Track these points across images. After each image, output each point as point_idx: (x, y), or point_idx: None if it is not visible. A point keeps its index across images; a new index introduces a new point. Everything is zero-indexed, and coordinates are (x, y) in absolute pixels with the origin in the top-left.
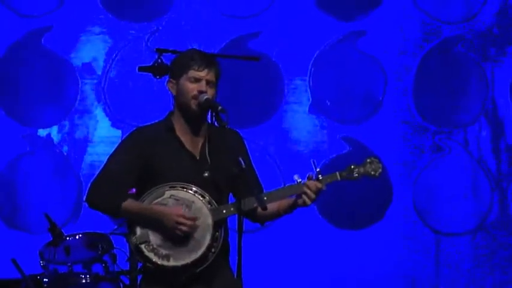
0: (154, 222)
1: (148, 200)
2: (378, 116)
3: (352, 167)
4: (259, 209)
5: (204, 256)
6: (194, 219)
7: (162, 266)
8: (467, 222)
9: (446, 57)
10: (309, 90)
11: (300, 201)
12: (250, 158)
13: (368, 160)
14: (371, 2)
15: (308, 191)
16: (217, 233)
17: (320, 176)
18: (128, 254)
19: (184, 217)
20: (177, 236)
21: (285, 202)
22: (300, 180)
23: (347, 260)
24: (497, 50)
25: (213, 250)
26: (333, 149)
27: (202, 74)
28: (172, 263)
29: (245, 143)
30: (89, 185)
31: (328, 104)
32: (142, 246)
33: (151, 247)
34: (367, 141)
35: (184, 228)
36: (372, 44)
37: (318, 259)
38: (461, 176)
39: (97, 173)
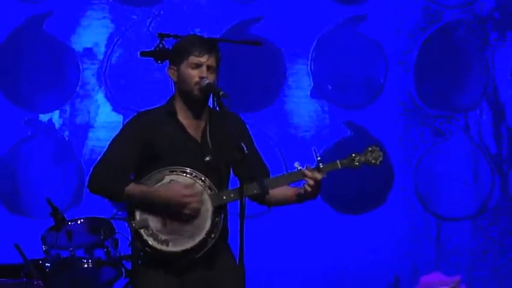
0: (159, 205)
1: (148, 184)
2: (379, 100)
3: (353, 155)
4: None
5: (203, 241)
6: (199, 193)
7: (161, 251)
8: (468, 206)
9: (448, 42)
10: (310, 74)
11: (304, 190)
12: (254, 142)
13: (369, 148)
14: None
15: (308, 180)
16: (216, 219)
17: (321, 164)
18: (129, 239)
19: (190, 195)
20: (180, 218)
21: (294, 192)
22: (301, 167)
23: (348, 244)
24: (498, 35)
25: (212, 236)
26: (335, 133)
27: (203, 59)
28: (171, 248)
29: (247, 127)
30: (91, 170)
31: (330, 88)
32: (142, 231)
33: (150, 232)
34: (368, 126)
35: (193, 205)
36: (374, 28)
37: (320, 243)
38: (462, 161)
39: (99, 158)
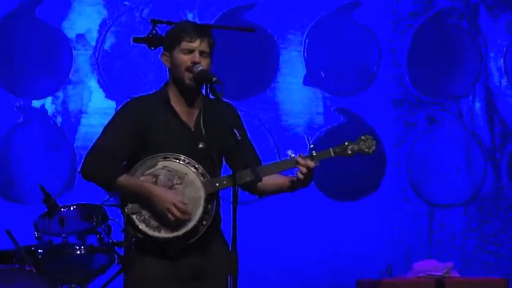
0: (147, 200)
1: (141, 170)
2: (372, 87)
3: (346, 143)
4: (258, 182)
5: (195, 228)
6: (186, 213)
7: (153, 237)
8: (461, 193)
9: (440, 29)
10: (303, 61)
11: (296, 178)
12: (246, 130)
13: (362, 137)
14: None
15: (301, 167)
16: (209, 206)
17: (314, 152)
18: (122, 225)
19: (176, 207)
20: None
21: (286, 180)
22: (294, 155)
23: (341, 231)
24: (491, 21)
25: (204, 223)
26: (328, 120)
27: (195, 44)
28: (163, 234)
29: (240, 115)
30: (84, 156)
31: (323, 75)
32: (134, 216)
33: (142, 218)
34: (361, 113)
35: (172, 218)
36: (367, 15)
37: (313, 230)
38: (454, 148)
39: (92, 144)
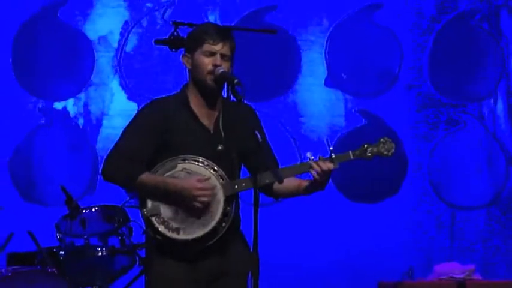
0: (171, 195)
1: (160, 172)
2: (393, 89)
3: (366, 146)
4: (276, 184)
5: (214, 230)
6: (212, 188)
7: (172, 238)
8: (482, 196)
9: (462, 31)
10: (325, 63)
11: (314, 180)
12: (265, 133)
13: (381, 140)
14: None
15: (319, 170)
16: (228, 208)
17: (333, 154)
18: (144, 227)
19: (202, 189)
20: (192, 209)
21: (302, 183)
22: (313, 157)
23: (362, 233)
24: None
25: (223, 224)
26: (349, 122)
27: (217, 47)
28: (182, 236)
29: (259, 118)
30: (105, 157)
31: (344, 77)
32: (153, 218)
33: (162, 219)
34: (383, 115)
35: (203, 199)
36: (389, 17)
37: (334, 232)
38: (476, 150)
39: (112, 145)
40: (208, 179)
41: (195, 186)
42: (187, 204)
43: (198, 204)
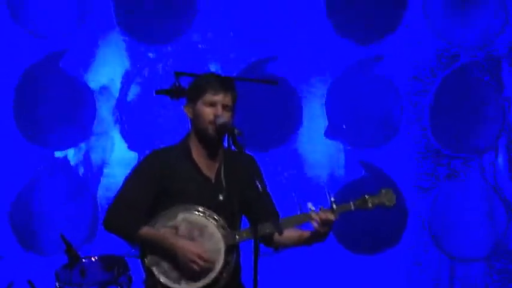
0: (169, 252)
1: (161, 222)
2: (394, 140)
3: (366, 197)
4: (276, 235)
5: (215, 280)
6: (210, 262)
7: None
8: (483, 248)
9: (463, 82)
10: (325, 114)
11: (315, 231)
12: (266, 184)
13: (383, 190)
14: (388, 26)
15: (320, 221)
16: (229, 258)
17: (334, 205)
18: (144, 276)
19: (200, 257)
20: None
21: (303, 233)
22: (314, 208)
23: (362, 284)
24: None
25: (224, 275)
26: (350, 173)
27: (219, 98)
28: (183, 286)
29: (260, 168)
30: (107, 209)
31: (345, 128)
32: (154, 268)
33: (162, 269)
34: (383, 166)
35: (197, 267)
36: (389, 69)
37: (333, 284)
38: (477, 202)
39: (114, 196)
40: (214, 251)
41: (193, 251)
42: (182, 264)
43: (192, 269)
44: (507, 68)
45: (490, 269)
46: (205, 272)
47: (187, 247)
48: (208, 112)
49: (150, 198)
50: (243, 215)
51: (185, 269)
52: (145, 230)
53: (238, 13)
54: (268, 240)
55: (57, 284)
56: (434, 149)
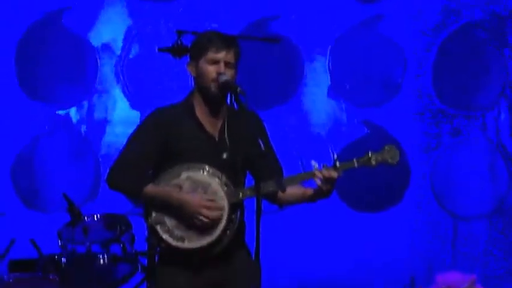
0: (175, 208)
1: (165, 180)
2: (396, 99)
3: (370, 154)
4: (280, 192)
5: (219, 238)
6: (216, 211)
7: (177, 247)
8: (485, 205)
9: (466, 42)
10: (328, 73)
11: (318, 189)
12: (270, 141)
13: (386, 148)
14: None
15: (323, 178)
16: (232, 216)
17: (337, 163)
18: (146, 234)
19: (206, 207)
20: (195, 223)
21: (307, 190)
22: (317, 166)
23: (364, 243)
24: None
25: (228, 232)
26: (352, 132)
27: (221, 55)
28: (187, 244)
29: (264, 125)
30: (110, 167)
31: (347, 87)
32: (158, 227)
33: (166, 228)
34: (386, 125)
35: (205, 220)
36: (392, 28)
37: (335, 242)
38: (479, 160)
39: (118, 154)
40: (219, 198)
41: (202, 204)
42: (189, 219)
43: (199, 222)
44: (510, 26)
45: (491, 226)
46: (209, 229)
47: (193, 199)
48: (210, 70)
49: (153, 156)
50: (248, 173)
51: (191, 223)
52: (150, 187)
53: None
54: (272, 197)
55: (59, 242)
56: (437, 107)
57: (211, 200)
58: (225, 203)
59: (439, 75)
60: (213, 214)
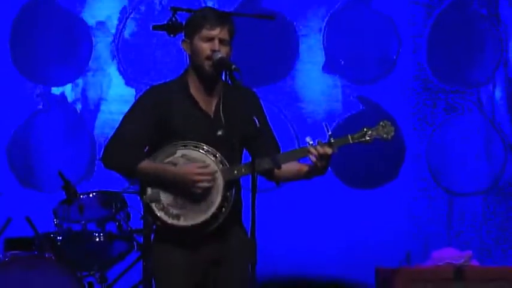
0: (170, 183)
1: (160, 158)
2: (391, 75)
3: (365, 130)
4: (275, 169)
5: (214, 216)
6: (212, 173)
7: (172, 225)
8: (480, 182)
9: (461, 17)
10: (323, 49)
11: (313, 165)
12: (267, 117)
13: (381, 123)
14: None
15: (318, 154)
16: (228, 193)
17: (332, 139)
18: (141, 212)
19: (202, 174)
20: (191, 195)
21: (303, 167)
22: (312, 142)
23: (360, 219)
24: (511, 10)
25: (223, 210)
26: (347, 108)
27: (215, 32)
28: (182, 222)
29: (261, 102)
30: (105, 145)
31: (342, 63)
32: (153, 205)
33: (161, 206)
34: (381, 101)
35: (203, 184)
36: (387, 4)
37: (331, 218)
38: (474, 136)
39: (113, 132)
40: (208, 165)
41: (194, 171)
42: (187, 191)
43: (198, 190)
44: (505, 1)
45: (487, 203)
46: (204, 208)
47: (188, 169)
48: (205, 47)
49: (149, 133)
50: (245, 150)
51: (188, 196)
52: (145, 164)
53: None
54: (269, 174)
55: (55, 220)
56: (431, 83)
57: (203, 167)
58: (220, 180)
59: (434, 51)
60: (207, 178)
